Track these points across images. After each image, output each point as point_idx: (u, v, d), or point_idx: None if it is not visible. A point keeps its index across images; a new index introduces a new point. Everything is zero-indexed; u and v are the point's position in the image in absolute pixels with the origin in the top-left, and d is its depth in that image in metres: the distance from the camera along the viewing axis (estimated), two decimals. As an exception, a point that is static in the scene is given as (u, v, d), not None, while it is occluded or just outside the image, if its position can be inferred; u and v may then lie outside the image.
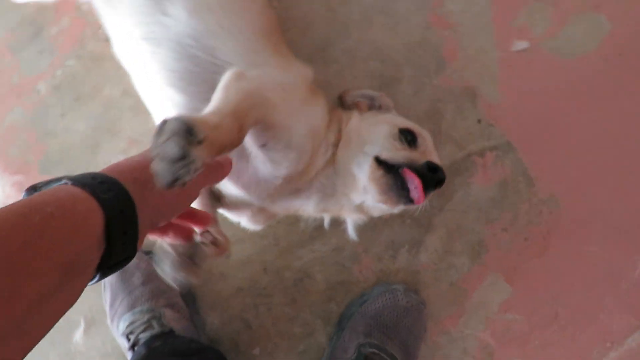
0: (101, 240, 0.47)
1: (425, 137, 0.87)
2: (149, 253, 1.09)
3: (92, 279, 0.52)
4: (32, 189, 0.50)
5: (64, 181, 0.49)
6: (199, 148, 0.52)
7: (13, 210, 0.42)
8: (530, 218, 1.08)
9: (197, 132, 0.52)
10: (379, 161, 0.80)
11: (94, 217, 0.46)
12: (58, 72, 1.00)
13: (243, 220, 0.96)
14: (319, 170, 0.88)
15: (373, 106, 0.95)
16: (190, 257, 0.72)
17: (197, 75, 0.83)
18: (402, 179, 0.76)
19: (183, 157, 0.49)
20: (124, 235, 0.49)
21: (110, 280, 1.05)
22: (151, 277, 1.04)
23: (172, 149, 0.49)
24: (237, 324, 1.13)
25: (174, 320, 1.03)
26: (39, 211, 0.42)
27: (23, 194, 0.50)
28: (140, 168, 0.55)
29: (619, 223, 1.08)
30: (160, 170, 0.49)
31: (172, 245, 0.71)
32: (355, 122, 0.90)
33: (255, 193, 0.89)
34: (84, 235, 0.45)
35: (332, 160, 0.89)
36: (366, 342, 1.04)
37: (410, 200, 0.76)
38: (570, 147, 1.05)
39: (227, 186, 0.91)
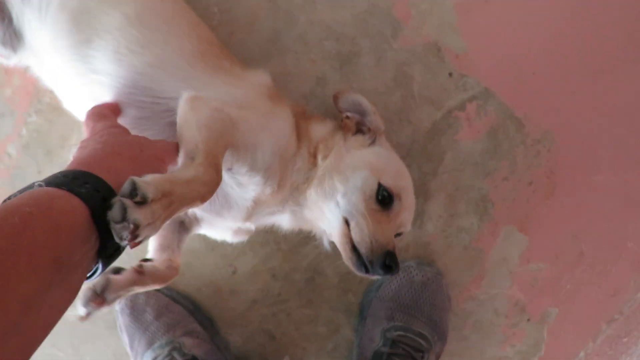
0: (89, 232, 0.49)
1: (404, 195, 0.83)
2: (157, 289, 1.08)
3: (92, 271, 0.54)
4: (6, 200, 0.50)
5: (37, 184, 0.50)
6: (142, 209, 0.52)
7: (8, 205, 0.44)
8: (529, 161, 1.03)
9: (140, 192, 0.53)
10: (347, 225, 0.80)
11: (76, 211, 0.48)
12: (23, 131, 1.00)
13: (227, 237, 0.94)
14: (292, 191, 0.86)
15: (362, 127, 0.88)
16: (100, 290, 0.74)
17: (148, 119, 0.81)
18: (364, 262, 0.78)
19: (122, 219, 0.51)
20: (100, 203, 0.51)
21: (124, 322, 1.04)
22: (163, 310, 1.03)
23: (114, 211, 0.51)
24: (261, 337, 1.11)
25: (194, 347, 1.01)
26: (16, 213, 0.43)
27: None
28: (108, 156, 0.59)
29: (622, 143, 1.02)
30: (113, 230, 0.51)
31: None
32: (334, 157, 0.85)
33: (229, 217, 0.87)
34: (68, 230, 0.46)
35: (304, 184, 0.86)
36: (390, 327, 1.00)
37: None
38: (550, 77, 0.99)
39: (201, 212, 0.89)
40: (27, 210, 0.44)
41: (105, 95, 0.79)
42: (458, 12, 0.96)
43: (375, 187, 0.81)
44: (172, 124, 0.77)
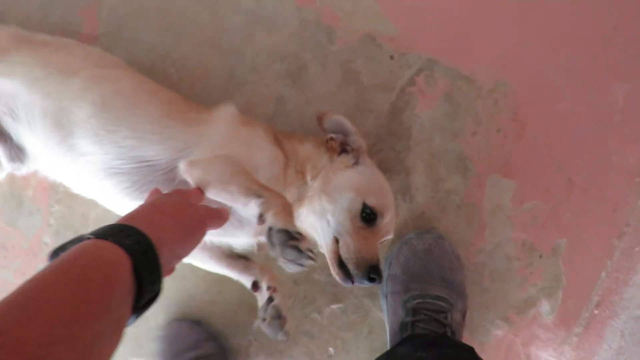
0: (132, 282, 0.52)
1: (386, 213, 0.92)
2: (199, 323, 1.20)
3: (130, 319, 0.55)
4: (59, 250, 0.55)
5: (87, 237, 0.54)
6: (298, 241, 0.71)
7: (54, 269, 0.48)
8: (490, 110, 1.08)
9: (291, 232, 0.71)
10: (337, 242, 0.91)
11: (122, 262, 0.51)
12: (51, 221, 1.15)
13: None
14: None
15: (346, 146, 0.97)
16: (275, 317, 0.94)
17: (143, 182, 0.91)
18: (351, 275, 0.90)
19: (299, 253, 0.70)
20: (151, 274, 0.54)
21: (158, 348, 1.14)
22: (198, 344, 1.13)
23: (290, 253, 0.70)
24: (302, 339, 1.20)
25: None
26: (75, 266, 0.48)
27: (48, 257, 0.55)
28: (151, 213, 0.64)
29: (572, 66, 1.05)
30: (291, 268, 0.71)
31: (259, 314, 0.95)
32: (323, 178, 0.94)
33: (243, 235, 0.98)
34: (116, 279, 0.50)
35: (297, 201, 0.95)
36: (408, 297, 1.07)
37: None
38: (482, 29, 1.04)
39: (222, 239, 1.01)
40: (83, 263, 0.48)
41: (98, 172, 0.92)
42: (379, 0, 1.04)
43: (359, 207, 0.91)
44: (167, 180, 0.89)
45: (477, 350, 1.10)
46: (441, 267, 1.08)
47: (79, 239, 0.54)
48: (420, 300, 1.06)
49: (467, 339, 1.13)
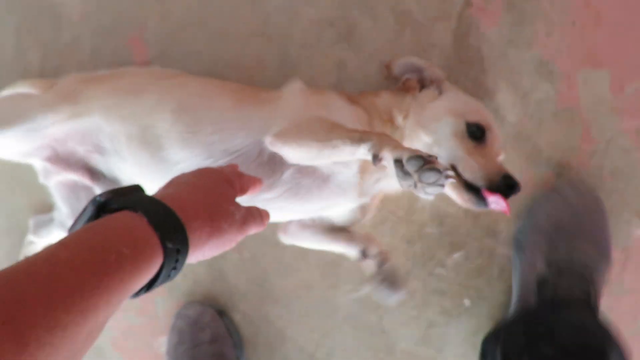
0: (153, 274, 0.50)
1: (492, 125, 0.88)
2: (222, 314, 1.17)
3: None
4: (104, 205, 0.51)
5: (139, 211, 0.49)
6: (433, 162, 0.65)
7: (90, 242, 0.44)
8: (559, 5, 1.01)
9: (424, 155, 0.66)
10: (455, 171, 0.85)
11: (157, 263, 0.49)
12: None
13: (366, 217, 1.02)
14: None
15: (424, 82, 0.95)
16: (392, 276, 0.92)
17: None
18: (483, 197, 0.83)
19: (438, 173, 0.64)
20: (173, 270, 0.52)
21: (180, 326, 1.13)
22: (218, 338, 1.11)
23: (430, 176, 0.64)
24: (433, 298, 1.15)
25: None
26: (115, 251, 0.44)
27: (92, 202, 0.51)
28: (205, 210, 0.57)
29: None
30: (431, 192, 0.66)
31: (372, 281, 0.92)
32: (413, 115, 0.91)
33: (346, 200, 0.95)
34: (145, 277, 0.48)
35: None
36: (553, 252, 0.99)
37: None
38: None
39: (331, 212, 0.99)
40: (125, 252, 0.44)
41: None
42: None
43: (463, 127, 0.87)
44: (262, 164, 0.89)
45: (621, 258, 1.03)
46: (598, 229, 1.00)
47: (129, 194, 0.53)
48: (568, 259, 0.97)
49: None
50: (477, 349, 1.15)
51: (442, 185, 0.64)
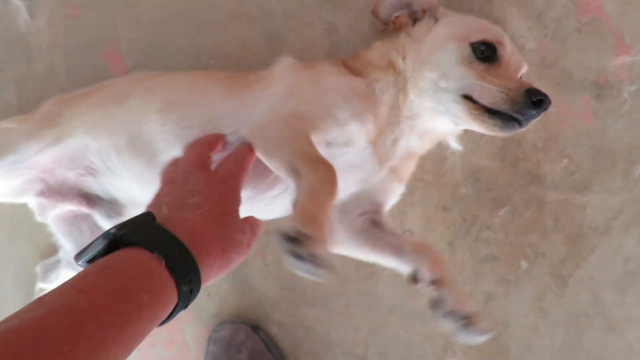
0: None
1: (503, 39, 0.77)
2: (256, 329, 1.06)
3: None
4: (119, 239, 0.50)
5: (156, 251, 0.49)
6: (307, 245, 0.53)
7: (110, 288, 0.44)
8: None
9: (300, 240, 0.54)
10: (472, 99, 0.74)
11: (172, 304, 0.50)
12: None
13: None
14: (394, 110, 0.82)
15: (416, 16, 0.84)
16: (460, 321, 0.68)
17: None
18: (509, 116, 0.71)
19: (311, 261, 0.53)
20: (184, 307, 0.53)
21: (214, 352, 1.04)
22: (257, 356, 1.01)
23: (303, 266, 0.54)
24: (485, 266, 1.01)
25: None
26: (136, 299, 0.44)
27: (105, 235, 0.50)
28: (218, 243, 0.56)
29: None
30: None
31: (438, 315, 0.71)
32: (411, 53, 0.81)
33: (369, 174, 0.84)
34: (161, 319, 0.49)
35: (399, 95, 0.82)
36: None
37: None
38: None
39: (363, 188, 0.87)
40: (145, 299, 0.45)
41: None
42: None
43: (468, 50, 0.76)
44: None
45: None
46: None
47: (146, 232, 0.52)
48: None
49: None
50: (547, 316, 1.00)
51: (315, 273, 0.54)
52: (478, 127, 0.76)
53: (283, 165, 0.68)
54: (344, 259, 1.04)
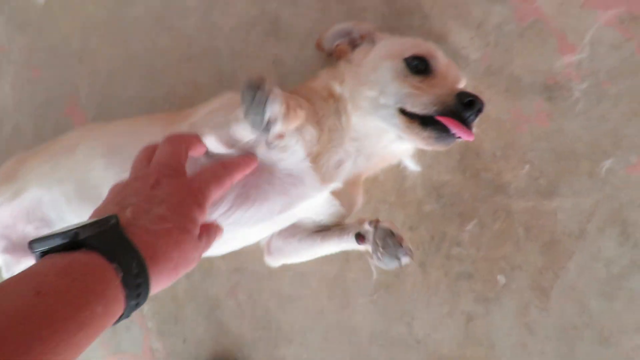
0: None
1: (435, 53, 0.79)
2: None
3: None
4: (77, 237, 0.49)
5: (115, 263, 0.48)
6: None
7: (68, 295, 0.43)
8: None
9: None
10: (407, 113, 0.74)
11: (118, 315, 0.50)
12: (149, 324, 1.05)
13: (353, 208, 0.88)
14: (336, 132, 0.82)
15: (355, 43, 0.87)
16: (388, 236, 0.75)
17: None
18: (444, 126, 0.70)
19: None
20: (125, 317, 0.52)
21: None
22: None
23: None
24: (461, 284, 0.97)
25: None
26: (90, 309, 0.44)
27: (68, 234, 0.49)
28: (173, 265, 0.56)
29: None
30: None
31: (374, 254, 0.76)
32: (350, 76, 0.82)
33: (310, 191, 0.82)
34: (105, 327, 0.48)
35: (342, 117, 0.82)
36: None
37: (459, 137, 0.71)
38: None
39: (301, 213, 0.86)
40: (97, 310, 0.45)
41: None
42: None
43: (402, 65, 0.77)
44: None
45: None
46: None
47: (97, 236, 0.50)
48: None
49: None
50: (534, 332, 0.94)
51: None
52: (416, 140, 0.75)
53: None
54: (315, 291, 1.01)
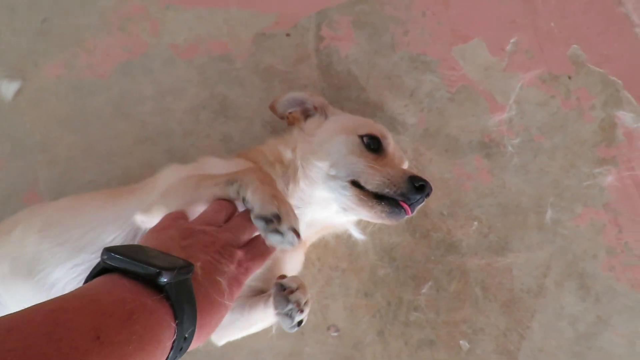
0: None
1: (386, 134, 0.83)
2: None
3: None
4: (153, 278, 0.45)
5: (176, 327, 0.44)
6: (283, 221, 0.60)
7: (124, 350, 0.39)
8: (406, 5, 1.00)
9: (267, 216, 0.60)
10: (359, 186, 0.76)
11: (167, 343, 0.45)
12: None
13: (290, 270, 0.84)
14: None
15: (308, 113, 0.89)
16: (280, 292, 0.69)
17: None
18: (396, 201, 0.73)
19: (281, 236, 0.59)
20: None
21: None
22: None
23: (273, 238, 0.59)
24: (423, 352, 0.90)
25: None
26: (138, 347, 0.40)
27: (149, 272, 0.44)
28: (210, 331, 0.53)
29: None
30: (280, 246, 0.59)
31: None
32: (302, 144, 0.84)
33: None
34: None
35: (289, 185, 0.83)
36: None
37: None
38: None
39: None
40: (148, 349, 0.41)
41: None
42: (245, 8, 1.05)
43: (358, 140, 0.79)
44: None
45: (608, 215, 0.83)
46: None
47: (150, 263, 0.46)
48: None
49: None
50: (507, 401, 0.85)
51: (290, 243, 0.59)
52: (367, 213, 0.74)
53: (212, 190, 0.67)
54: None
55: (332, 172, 0.77)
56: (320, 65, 1.00)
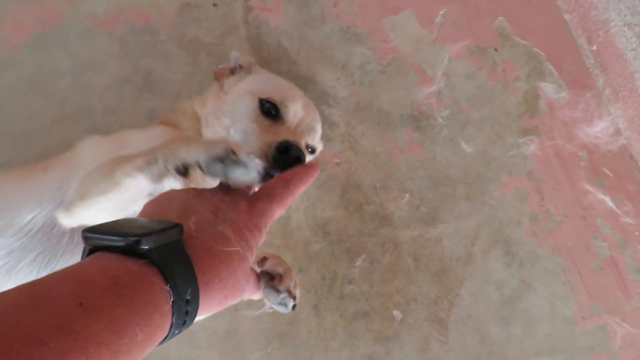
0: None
1: (288, 102, 0.76)
2: None
3: None
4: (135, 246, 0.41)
5: (170, 290, 0.40)
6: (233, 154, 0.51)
7: (113, 314, 0.36)
8: None
9: (220, 153, 0.51)
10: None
11: (155, 344, 0.42)
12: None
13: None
14: None
15: (234, 71, 0.85)
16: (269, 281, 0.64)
17: (46, 254, 0.75)
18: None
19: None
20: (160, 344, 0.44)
21: None
22: None
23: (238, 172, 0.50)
24: (358, 324, 0.90)
25: None
26: (131, 334, 0.37)
27: (129, 241, 0.40)
28: (222, 289, 0.46)
29: None
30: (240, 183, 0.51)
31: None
32: (214, 100, 0.80)
33: None
34: (138, 357, 0.40)
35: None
36: None
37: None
38: None
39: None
40: (138, 335, 0.38)
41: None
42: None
43: (256, 103, 0.75)
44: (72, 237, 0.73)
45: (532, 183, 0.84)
46: None
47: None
48: None
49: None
50: (438, 366, 0.87)
51: (256, 176, 0.50)
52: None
53: (131, 174, 0.60)
54: (206, 351, 0.91)
55: (232, 132, 0.74)
56: (250, 37, 0.96)
